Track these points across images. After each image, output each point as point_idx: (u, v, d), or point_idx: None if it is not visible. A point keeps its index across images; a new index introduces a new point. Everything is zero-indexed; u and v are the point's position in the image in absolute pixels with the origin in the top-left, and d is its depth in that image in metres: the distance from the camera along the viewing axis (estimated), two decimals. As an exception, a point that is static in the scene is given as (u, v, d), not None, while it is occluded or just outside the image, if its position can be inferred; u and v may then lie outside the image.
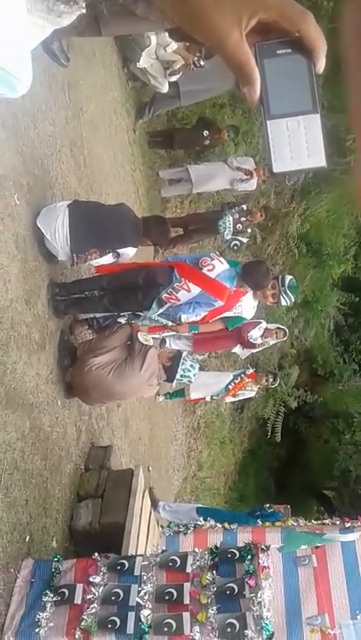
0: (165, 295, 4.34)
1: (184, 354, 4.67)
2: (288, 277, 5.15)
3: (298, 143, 0.79)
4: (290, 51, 0.77)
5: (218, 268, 4.46)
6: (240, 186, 7.53)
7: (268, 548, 3.54)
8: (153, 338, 4.69)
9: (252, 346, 5.94)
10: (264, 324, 5.82)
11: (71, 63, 4.95)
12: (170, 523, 5.26)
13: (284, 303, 5.16)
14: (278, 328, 6.07)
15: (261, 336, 5.80)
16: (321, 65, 0.78)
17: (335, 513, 11.49)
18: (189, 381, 4.68)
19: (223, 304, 4.61)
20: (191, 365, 4.60)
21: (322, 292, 12.27)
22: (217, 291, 4.44)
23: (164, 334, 5.33)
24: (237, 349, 6.04)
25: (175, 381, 4.57)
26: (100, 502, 4.00)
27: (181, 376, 4.49)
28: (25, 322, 3.61)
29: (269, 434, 10.75)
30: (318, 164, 0.79)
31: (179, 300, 4.40)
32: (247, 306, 4.94)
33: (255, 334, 5.71)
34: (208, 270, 4.43)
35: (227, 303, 4.68)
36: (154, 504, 5.81)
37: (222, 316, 4.87)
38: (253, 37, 0.77)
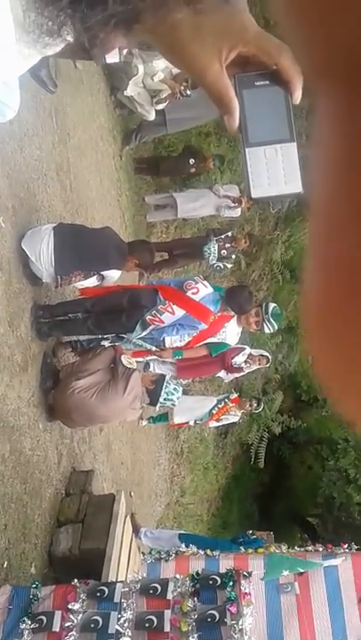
0: (149, 317, 4.36)
1: (167, 377, 4.66)
2: (272, 305, 5.18)
3: (275, 170, 0.82)
4: (268, 82, 0.80)
5: (202, 291, 4.50)
6: (226, 212, 7.65)
7: (249, 574, 3.51)
8: (137, 362, 4.69)
9: (236, 371, 5.96)
10: (248, 350, 5.84)
11: (59, 90, 5.04)
12: (151, 549, 5.18)
13: (267, 330, 5.19)
14: (262, 355, 6.09)
15: (245, 362, 5.82)
16: (298, 96, 0.82)
17: (319, 540, 11.39)
18: (173, 404, 4.66)
19: (207, 327, 4.63)
20: (175, 389, 4.59)
21: (306, 318, 12.35)
22: (201, 313, 4.47)
23: (147, 358, 5.32)
24: (222, 373, 6.05)
25: (158, 405, 4.55)
26: (80, 527, 3.94)
27: (165, 399, 4.47)
28: (7, 344, 3.60)
29: (253, 459, 10.69)
30: (295, 190, 0.82)
31: (163, 323, 4.41)
32: (231, 332, 4.95)
33: (239, 360, 5.73)
34: (192, 294, 4.46)
35: (211, 328, 4.70)
36: (135, 530, 5.73)
37: (206, 341, 4.89)
38: (233, 69, 0.81)
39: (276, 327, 5.34)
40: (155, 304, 4.36)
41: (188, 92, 6.61)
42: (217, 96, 0.80)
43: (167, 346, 4.63)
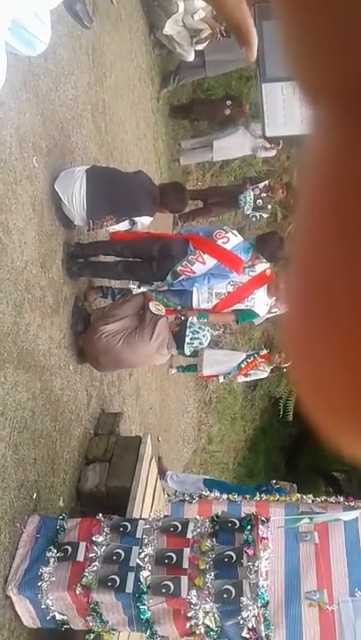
0: (180, 268, 4.31)
1: (190, 318, 4.57)
2: None
3: (292, 109, 0.78)
4: None
5: (232, 240, 4.42)
6: (262, 153, 7.47)
7: (268, 520, 3.57)
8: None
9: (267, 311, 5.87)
10: None
11: (97, 27, 4.89)
12: (176, 491, 5.33)
13: None
14: None
15: (276, 300, 5.72)
16: None
17: (342, 494, 11.54)
18: (201, 344, 4.54)
19: (236, 291, 4.55)
20: (200, 327, 4.50)
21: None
22: (232, 262, 4.41)
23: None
24: None
25: (186, 346, 4.43)
26: (107, 466, 4.06)
27: (191, 339, 4.37)
28: (40, 285, 3.63)
29: (282, 413, 10.75)
30: None
31: (194, 273, 4.37)
32: (260, 300, 4.86)
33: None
34: (223, 243, 4.39)
35: (239, 292, 4.62)
36: (162, 473, 5.89)
37: (234, 308, 4.81)
38: None
39: None
40: (186, 254, 4.31)
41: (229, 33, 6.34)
42: (235, 25, 0.75)
43: (194, 306, 4.58)
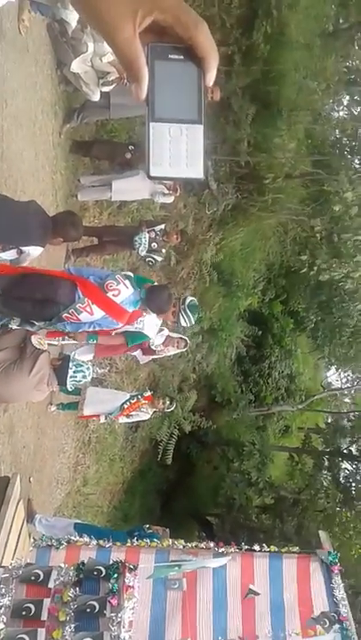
0: (66, 315, 4.20)
1: (72, 354, 4.48)
2: (189, 298, 5.22)
3: (178, 151, 0.79)
4: (182, 57, 0.77)
5: (123, 293, 4.38)
6: (160, 199, 7.65)
7: (135, 567, 3.49)
8: (49, 344, 4.53)
9: (153, 352, 5.91)
10: (166, 332, 5.79)
11: (0, 55, 4.82)
12: (43, 536, 5.07)
13: (183, 323, 5.18)
14: (181, 338, 6.06)
15: (163, 343, 5.78)
16: (211, 77, 0.78)
17: (214, 539, 11.62)
18: (84, 377, 4.42)
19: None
20: (83, 362, 4.41)
21: (228, 321, 12.60)
22: (118, 314, 4.39)
23: (62, 341, 5.17)
24: (137, 354, 5.99)
25: (69, 380, 4.29)
26: (-33, 509, 3.78)
27: (75, 372, 4.22)
28: None
29: (160, 456, 10.73)
30: (196, 175, 0.79)
31: (79, 321, 4.28)
32: (149, 323, 4.90)
33: (157, 341, 5.68)
34: (113, 295, 4.34)
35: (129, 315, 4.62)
36: (30, 516, 5.60)
37: (123, 330, 4.80)
38: (149, 37, 0.77)
39: (193, 320, 5.32)
40: (72, 301, 4.21)
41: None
42: (126, 61, 0.76)
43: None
